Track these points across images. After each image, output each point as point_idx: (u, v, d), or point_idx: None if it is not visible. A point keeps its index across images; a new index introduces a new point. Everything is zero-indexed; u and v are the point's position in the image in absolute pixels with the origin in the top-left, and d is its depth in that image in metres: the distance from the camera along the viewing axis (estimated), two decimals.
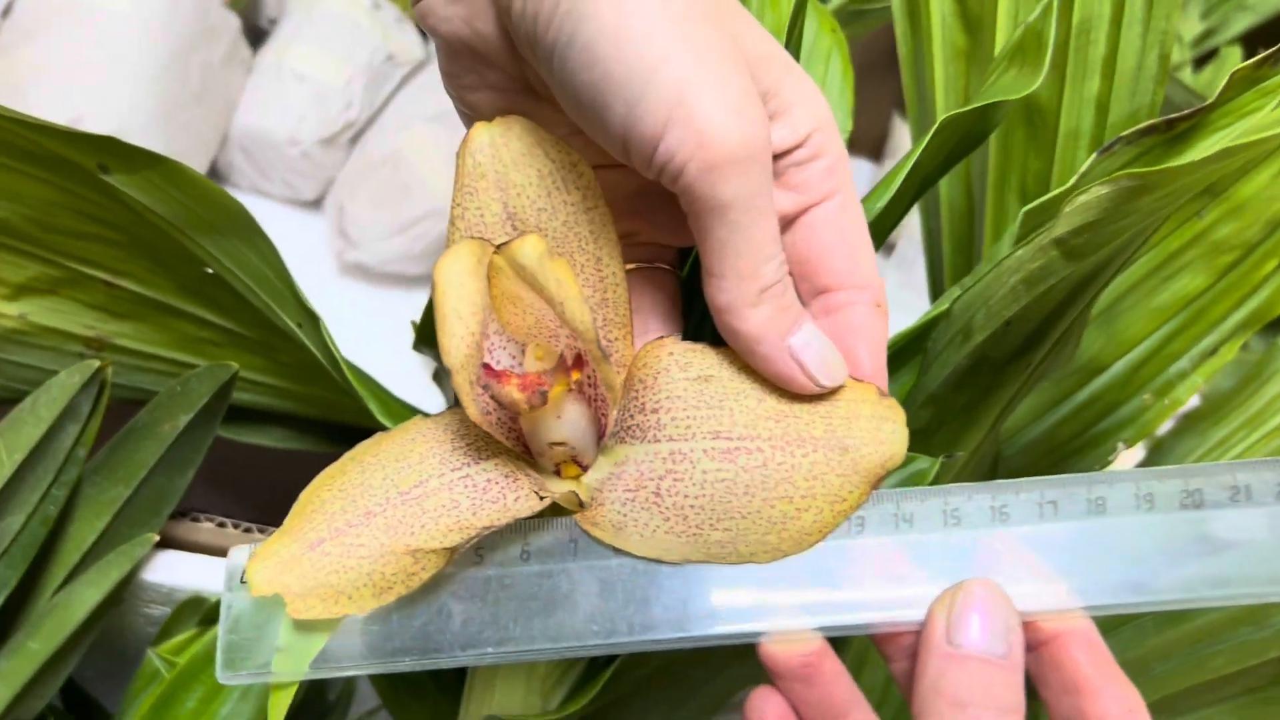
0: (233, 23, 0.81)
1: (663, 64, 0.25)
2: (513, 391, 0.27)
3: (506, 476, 0.29)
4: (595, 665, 0.37)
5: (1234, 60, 0.90)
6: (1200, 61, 0.93)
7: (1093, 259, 0.31)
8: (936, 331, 0.36)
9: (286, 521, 0.29)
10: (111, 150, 0.38)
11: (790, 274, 0.29)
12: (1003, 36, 0.43)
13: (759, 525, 0.28)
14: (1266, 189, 0.43)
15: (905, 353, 0.39)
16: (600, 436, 0.30)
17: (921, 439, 0.36)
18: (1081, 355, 0.43)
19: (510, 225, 0.30)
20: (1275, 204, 0.43)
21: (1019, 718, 0.27)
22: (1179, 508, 0.28)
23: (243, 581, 0.29)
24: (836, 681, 0.29)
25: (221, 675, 0.29)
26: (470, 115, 0.31)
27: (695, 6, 0.26)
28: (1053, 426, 0.43)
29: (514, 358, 0.30)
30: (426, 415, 0.31)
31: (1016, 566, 0.28)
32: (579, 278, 0.30)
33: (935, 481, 0.36)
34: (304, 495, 0.29)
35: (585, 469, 0.30)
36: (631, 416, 0.30)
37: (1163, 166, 0.27)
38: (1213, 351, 0.43)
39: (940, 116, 0.46)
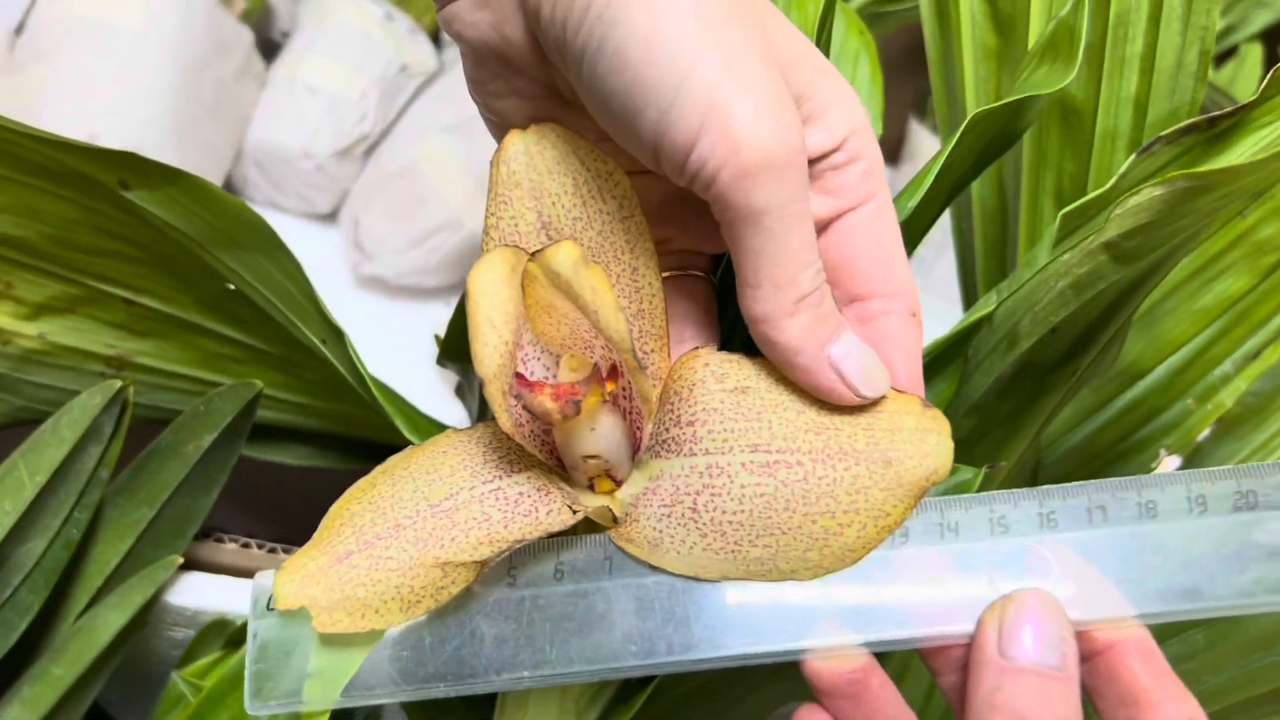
0: (245, 36, 0.80)
1: (695, 69, 0.25)
2: (546, 401, 0.26)
3: (539, 490, 0.29)
4: (631, 683, 0.36)
5: (1254, 57, 0.89)
6: (1220, 59, 0.91)
7: (1144, 262, 0.30)
8: (978, 339, 0.35)
9: (315, 535, 0.29)
10: (132, 166, 0.38)
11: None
12: (1036, 35, 0.42)
13: (800, 542, 0.27)
14: None
15: (941, 360, 0.38)
16: (635, 450, 0.30)
17: (964, 449, 0.35)
18: (1122, 360, 0.42)
19: (545, 234, 0.30)
20: None
21: None
22: (1232, 510, 0.27)
23: (269, 608, 0.29)
24: (884, 697, 0.28)
25: (250, 706, 0.29)
26: (496, 123, 0.31)
27: (728, 9, 0.26)
28: (1093, 433, 0.42)
29: (548, 368, 0.29)
30: (458, 429, 0.31)
31: (1067, 574, 0.27)
32: (614, 288, 0.29)
33: (979, 493, 0.35)
34: (334, 508, 0.29)
35: (619, 483, 0.30)
36: (667, 429, 0.29)
37: (1223, 166, 0.26)
38: (1256, 354, 0.42)
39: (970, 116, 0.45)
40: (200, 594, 0.43)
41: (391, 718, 0.47)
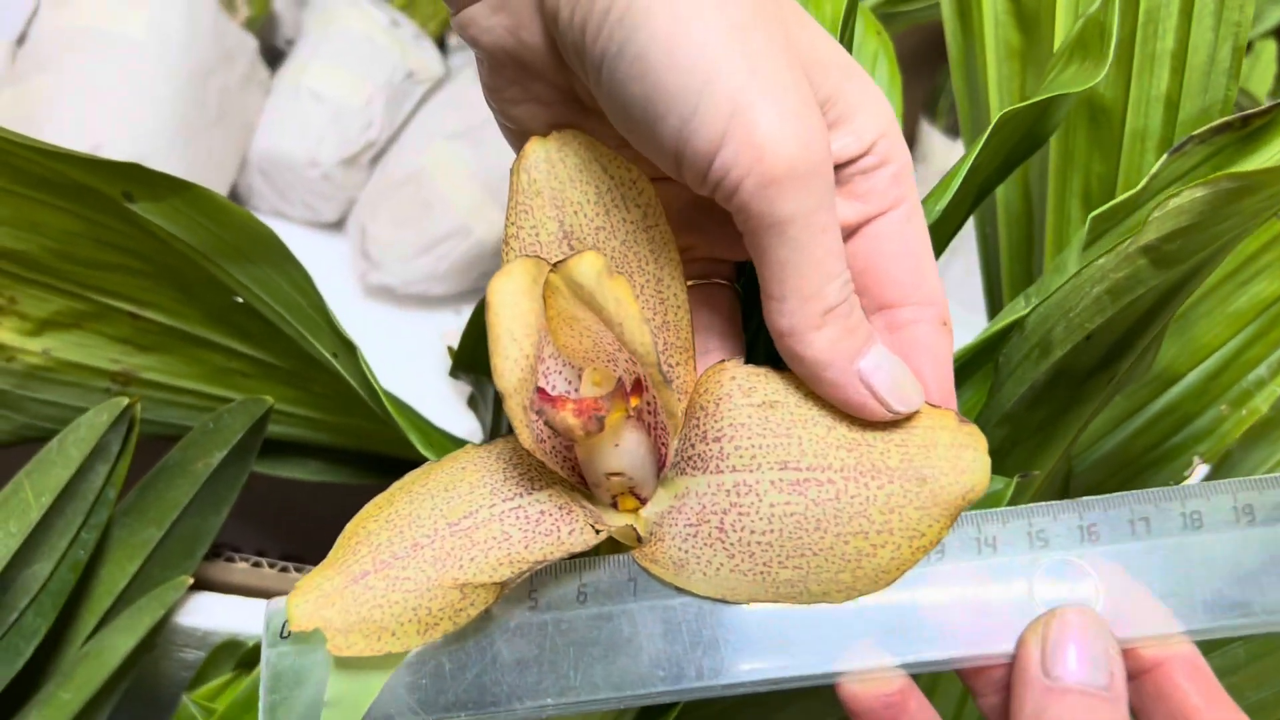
0: (249, 44, 0.80)
1: (718, 74, 0.24)
2: (568, 417, 0.25)
3: (560, 508, 0.28)
4: (654, 706, 0.35)
5: (1269, 54, 0.88)
6: None
7: (1184, 266, 0.29)
8: (1009, 347, 0.34)
9: (331, 553, 0.28)
10: (136, 177, 0.37)
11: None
12: (1062, 33, 0.41)
13: (831, 563, 0.26)
14: None
15: (968, 368, 0.37)
16: (660, 467, 0.29)
17: (995, 459, 0.34)
18: (1154, 365, 0.41)
19: (567, 244, 0.29)
20: None
21: None
22: None
23: (283, 636, 0.28)
24: (921, 719, 0.27)
25: None
26: (513, 130, 0.30)
27: (752, 11, 0.25)
28: (1125, 441, 0.41)
29: (570, 382, 0.29)
30: (477, 444, 0.30)
31: (1110, 589, 0.27)
32: (638, 299, 0.29)
33: (1011, 503, 0.34)
34: (350, 526, 0.28)
35: (644, 501, 0.29)
36: (693, 446, 0.28)
37: (1268, 166, 0.25)
38: None
39: (994, 118, 0.44)
40: (211, 615, 0.42)
41: None
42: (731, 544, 0.27)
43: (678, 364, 0.29)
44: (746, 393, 0.28)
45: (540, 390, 0.26)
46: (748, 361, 0.29)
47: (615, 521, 0.28)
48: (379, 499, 0.29)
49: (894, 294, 0.28)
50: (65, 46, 0.72)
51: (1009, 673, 0.27)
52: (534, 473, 0.29)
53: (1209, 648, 0.38)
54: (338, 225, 0.83)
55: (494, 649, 0.28)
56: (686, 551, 0.27)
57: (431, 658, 0.28)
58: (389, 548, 0.28)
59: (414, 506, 0.28)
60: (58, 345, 0.43)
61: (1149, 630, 0.26)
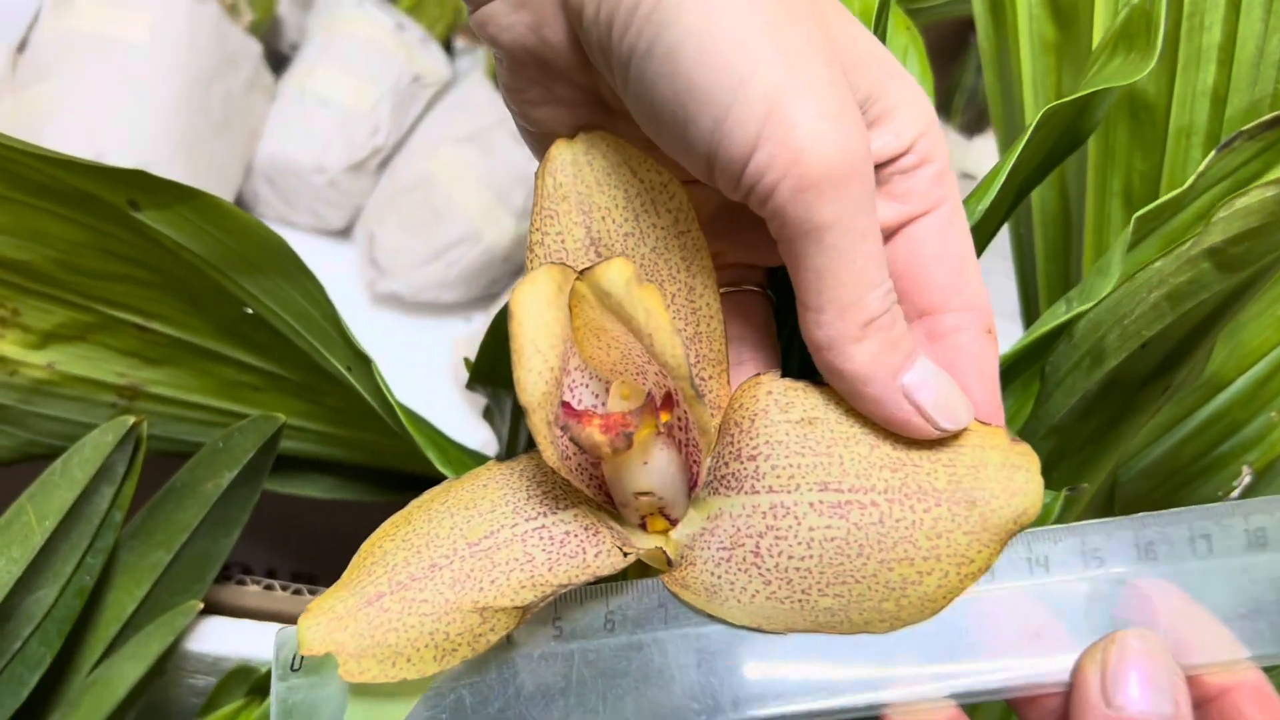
0: (254, 49, 0.79)
1: (754, 73, 0.23)
2: (594, 433, 0.24)
3: (586, 529, 0.27)
4: None
5: None
6: None
7: (1249, 270, 0.28)
8: (1056, 356, 0.33)
9: (345, 573, 0.27)
10: (141, 185, 0.36)
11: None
12: (1100, 26, 0.40)
13: (874, 591, 0.25)
14: None
15: (1008, 376, 0.36)
16: (692, 486, 0.28)
17: (1041, 473, 0.33)
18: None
19: (594, 251, 0.28)
20: None
21: None
22: None
23: (294, 669, 0.27)
24: None
25: None
26: (534, 133, 0.29)
27: (789, 8, 0.24)
28: (1171, 450, 0.40)
29: (597, 396, 0.28)
30: (500, 461, 0.29)
31: (1171, 612, 0.25)
32: (669, 309, 0.28)
33: (1059, 520, 0.32)
34: (366, 545, 0.27)
35: (674, 523, 0.28)
36: (726, 464, 0.27)
37: None
38: None
39: (1029, 115, 0.43)
40: (222, 640, 0.41)
41: None
42: (768, 570, 0.26)
43: (710, 378, 0.28)
44: (784, 408, 0.27)
45: (565, 404, 0.25)
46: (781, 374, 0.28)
47: (644, 544, 0.27)
48: (396, 517, 0.28)
49: (935, 299, 0.27)
50: (66, 53, 0.71)
51: (1065, 702, 0.25)
52: (559, 491, 0.28)
53: (1278, 674, 0.37)
54: (345, 233, 0.83)
55: (517, 681, 0.26)
56: (719, 577, 0.26)
57: (451, 691, 0.26)
58: (405, 569, 0.27)
59: (432, 525, 0.27)
60: (62, 359, 0.42)
61: (1213, 656, 0.25)
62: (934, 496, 0.25)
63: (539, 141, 0.29)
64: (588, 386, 0.27)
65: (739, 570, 0.26)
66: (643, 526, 0.28)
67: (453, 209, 0.77)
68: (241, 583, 0.42)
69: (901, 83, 0.27)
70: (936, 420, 0.25)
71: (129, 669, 0.37)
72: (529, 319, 0.24)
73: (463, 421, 0.71)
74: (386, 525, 0.28)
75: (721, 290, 0.29)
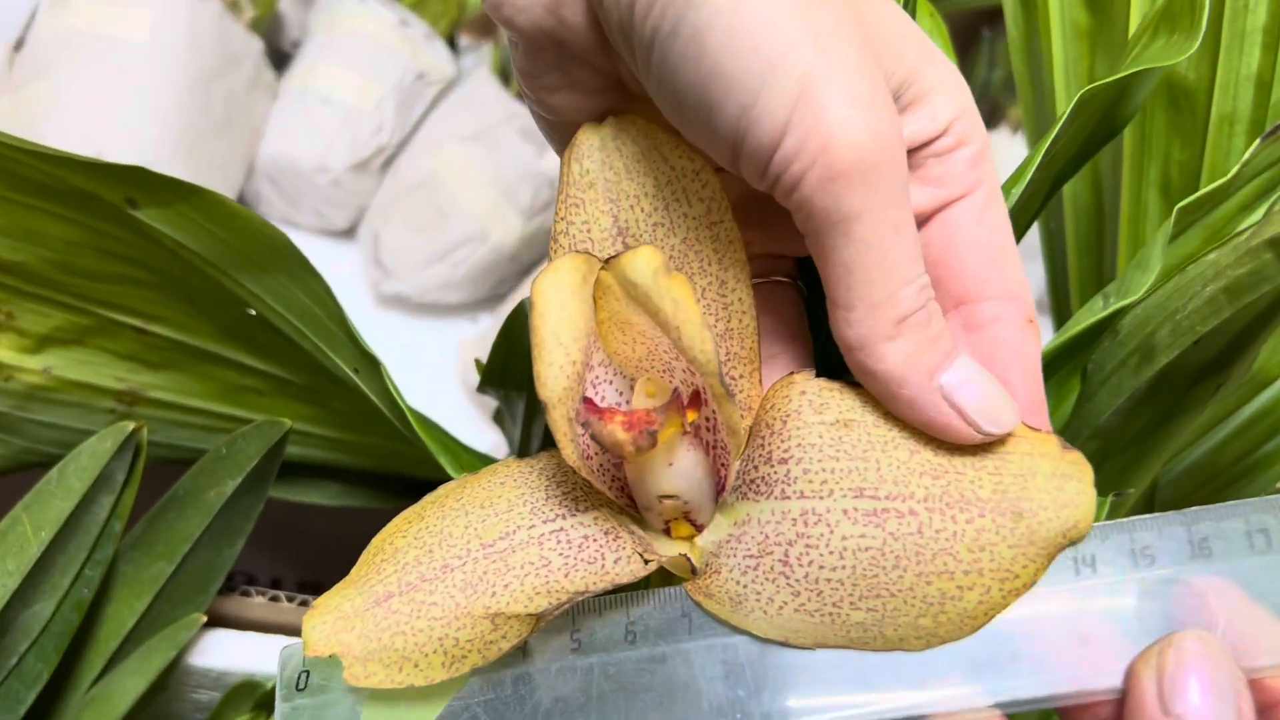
0: (255, 47, 0.78)
1: (785, 56, 0.22)
2: (617, 431, 0.23)
3: (606, 533, 0.26)
4: None
5: None
6: None
7: None
8: (1100, 353, 0.31)
9: (355, 568, 0.26)
10: (139, 182, 0.35)
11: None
12: (1137, 10, 0.38)
13: (911, 606, 0.24)
14: None
15: (1047, 369, 0.34)
16: (719, 490, 0.27)
17: None
18: None
19: (621, 242, 0.27)
20: None
21: None
22: None
23: (299, 689, 0.26)
24: None
25: None
26: (550, 121, 0.28)
27: None
28: (1213, 449, 0.38)
29: (620, 394, 0.27)
30: (518, 459, 0.28)
31: (1229, 612, 0.24)
32: (699, 303, 0.26)
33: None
34: (376, 540, 0.27)
35: (699, 528, 0.26)
36: (756, 467, 0.26)
37: None
38: None
39: (1060, 104, 0.41)
40: (226, 653, 0.40)
41: None
42: (797, 580, 0.24)
43: (741, 376, 0.27)
44: (818, 410, 0.26)
45: (587, 400, 0.24)
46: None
47: (667, 551, 0.26)
48: (409, 513, 0.27)
49: (972, 288, 0.26)
50: (64, 51, 0.71)
51: (1117, 710, 0.24)
52: (579, 492, 0.27)
53: None
54: (349, 233, 0.82)
55: (534, 698, 0.25)
56: (745, 586, 0.25)
57: (464, 709, 0.25)
58: (416, 568, 0.26)
59: (446, 523, 0.26)
60: (59, 363, 0.41)
61: (1275, 659, 0.24)
62: (977, 506, 0.24)
63: (555, 130, 0.28)
64: (611, 383, 0.27)
65: (766, 580, 0.25)
66: (666, 532, 0.27)
67: (458, 208, 0.76)
68: (246, 594, 0.40)
69: (937, 64, 0.26)
70: (979, 423, 0.24)
71: (130, 685, 0.36)
72: (551, 309, 0.23)
73: (470, 425, 0.71)
74: (399, 520, 0.27)
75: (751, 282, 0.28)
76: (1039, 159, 0.32)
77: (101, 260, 0.39)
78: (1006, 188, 0.32)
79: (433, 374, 0.75)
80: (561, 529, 0.26)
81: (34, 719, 0.37)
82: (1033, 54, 0.42)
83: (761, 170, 0.23)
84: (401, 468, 0.47)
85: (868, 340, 0.24)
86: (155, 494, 0.39)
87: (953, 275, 0.26)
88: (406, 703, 0.25)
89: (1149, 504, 0.37)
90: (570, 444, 0.24)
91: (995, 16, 0.88)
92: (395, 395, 0.36)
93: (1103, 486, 0.32)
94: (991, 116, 0.86)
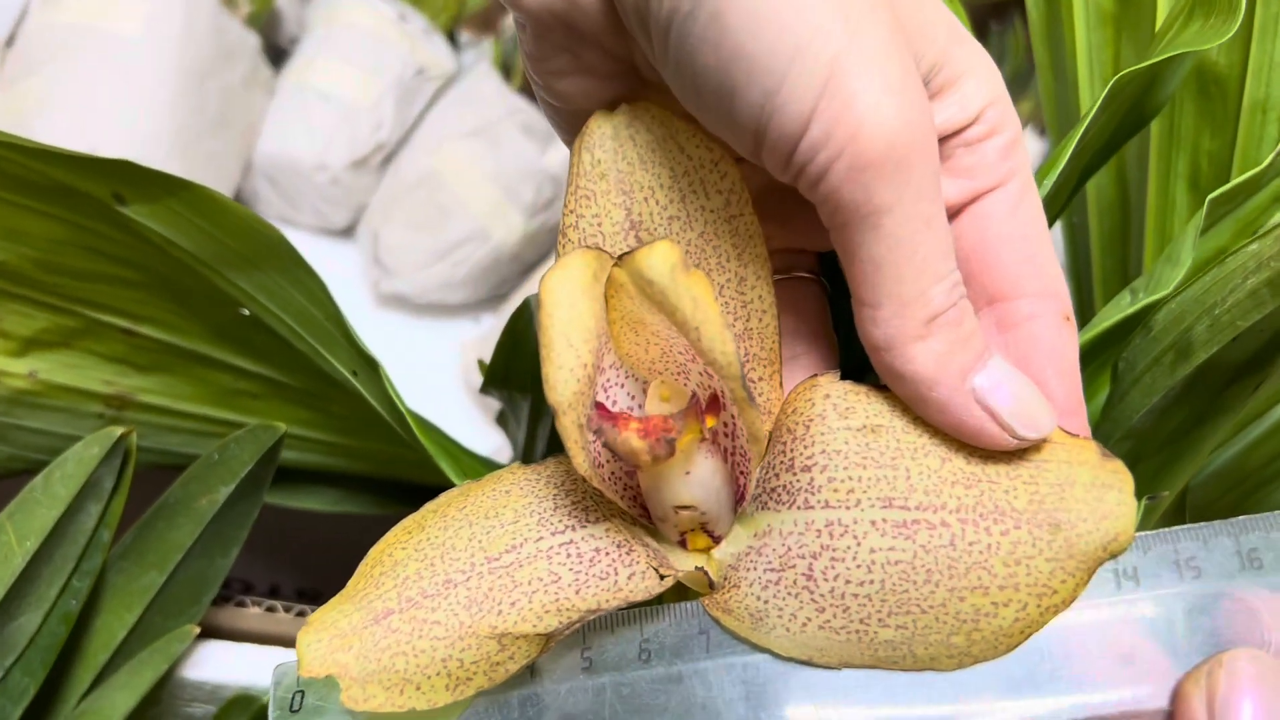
0: (251, 42, 0.78)
1: (813, 38, 0.21)
2: (632, 438, 0.22)
3: (619, 546, 0.25)
4: None
5: None
6: None
7: None
8: (1131, 351, 0.30)
9: (351, 581, 0.25)
10: (126, 176, 0.34)
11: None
12: None
13: (943, 622, 0.23)
14: None
15: None
16: (738, 500, 0.25)
17: None
18: None
19: (634, 236, 0.26)
20: None
21: None
22: None
23: (294, 710, 0.25)
24: None
25: None
26: (558, 108, 0.27)
27: None
28: (1242, 452, 0.37)
29: (633, 397, 0.26)
30: (523, 465, 0.27)
31: None
32: (717, 301, 0.25)
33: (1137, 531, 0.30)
34: (374, 551, 0.25)
35: (717, 540, 0.25)
36: (777, 475, 0.25)
37: None
38: None
39: (1083, 93, 0.40)
40: (220, 666, 0.38)
41: None
42: (821, 595, 0.23)
43: (761, 379, 0.26)
44: (843, 414, 0.25)
45: (599, 406, 0.23)
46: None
47: (682, 564, 0.25)
48: (408, 522, 0.26)
49: (1005, 284, 0.25)
50: (57, 47, 0.70)
51: None
52: (589, 502, 0.26)
53: None
54: (348, 232, 0.82)
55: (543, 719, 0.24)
56: (766, 602, 0.24)
57: None
58: (417, 583, 0.25)
59: (448, 535, 0.25)
60: (45, 366, 0.40)
61: None
62: (1013, 518, 0.23)
63: (564, 119, 0.27)
64: (623, 387, 0.25)
65: (789, 595, 0.24)
66: (681, 543, 0.26)
67: (459, 206, 0.76)
68: (241, 604, 0.39)
69: (968, 48, 0.25)
70: (1014, 427, 0.23)
71: (120, 699, 0.35)
72: (560, 309, 0.22)
73: (472, 427, 0.70)
74: (398, 530, 0.26)
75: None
76: (1071, 150, 0.30)
77: (88, 259, 0.37)
78: (1041, 174, 0.31)
79: (434, 375, 0.74)
80: (571, 541, 0.25)
81: None
82: (1055, 41, 0.41)
83: (785, 160, 0.22)
84: (402, 473, 0.46)
85: (896, 340, 0.23)
86: (146, 501, 0.38)
87: (985, 271, 0.25)
88: None
89: (1179, 508, 0.36)
90: (581, 451, 0.23)
91: (1003, 10, 0.88)
92: (394, 398, 0.35)
93: (1136, 490, 0.31)
94: None
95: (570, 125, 0.26)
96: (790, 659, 0.24)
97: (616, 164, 0.25)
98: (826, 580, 0.23)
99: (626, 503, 0.25)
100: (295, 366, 0.41)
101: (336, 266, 0.78)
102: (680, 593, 0.26)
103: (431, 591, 0.24)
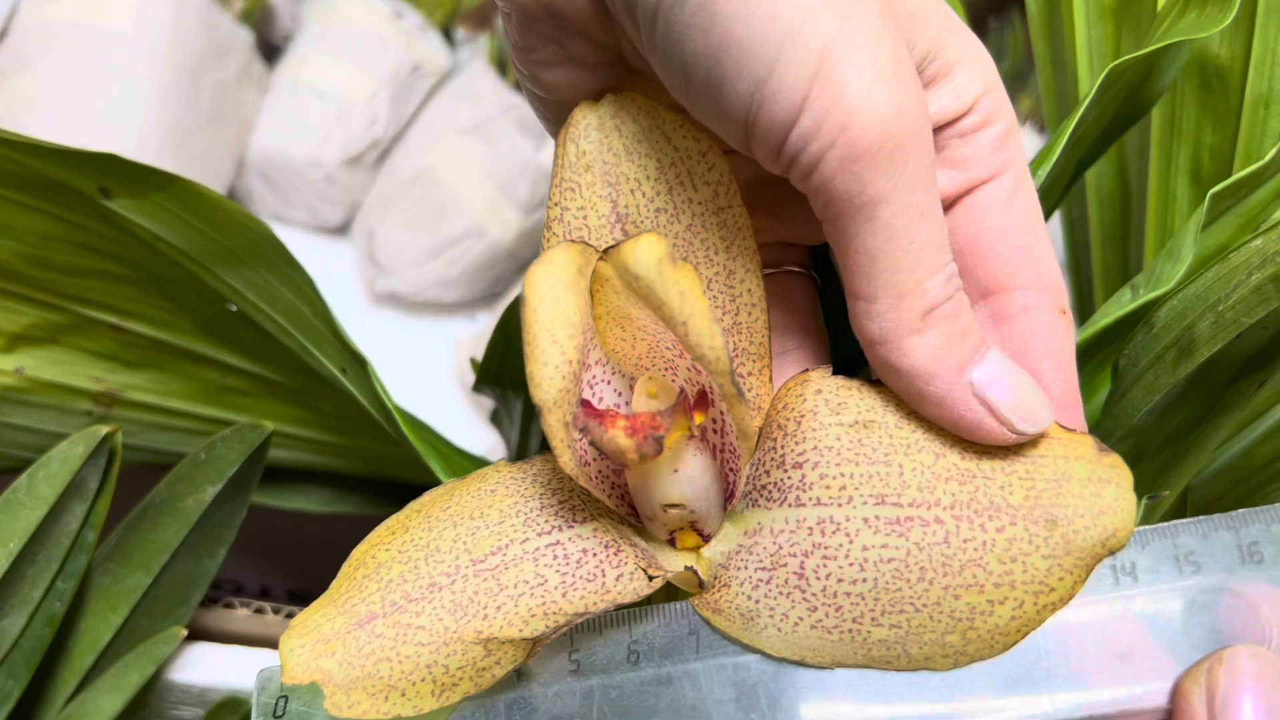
0: (245, 39, 0.77)
1: (804, 25, 0.21)
2: (619, 436, 0.22)
3: (606, 546, 0.24)
4: None
5: None
6: None
7: None
8: (1132, 348, 0.30)
9: (334, 584, 0.25)
10: (113, 170, 0.34)
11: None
12: None
13: (937, 621, 0.22)
14: None
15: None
16: (728, 498, 0.25)
17: None
18: None
19: (620, 229, 0.25)
20: None
21: None
22: None
23: (277, 717, 0.25)
24: None
25: None
26: (545, 99, 0.26)
27: None
28: (1245, 451, 0.36)
29: (619, 394, 0.25)
30: (509, 462, 0.26)
31: None
32: (706, 295, 0.25)
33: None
34: (357, 552, 0.25)
35: (707, 538, 0.25)
36: (768, 472, 0.24)
37: None
38: None
39: (1084, 88, 0.40)
40: (208, 668, 0.38)
41: None
42: (813, 594, 0.23)
43: (751, 374, 0.25)
44: (835, 410, 0.24)
45: (585, 403, 0.23)
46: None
47: (672, 564, 0.25)
48: (392, 522, 0.25)
49: (1000, 277, 0.25)
50: (47, 42, 0.69)
51: None
52: (576, 501, 0.25)
53: None
54: (342, 229, 0.81)
55: None
56: (757, 601, 0.24)
57: None
58: (401, 586, 0.24)
59: (433, 536, 0.25)
60: (32, 363, 0.39)
61: None
62: (1008, 514, 0.22)
63: (551, 110, 0.26)
64: (609, 383, 0.25)
65: (780, 594, 0.23)
66: (671, 542, 0.25)
67: (455, 203, 0.75)
68: (230, 606, 0.39)
69: (961, 37, 0.24)
70: (1012, 422, 0.22)
71: (106, 702, 0.34)
72: (544, 305, 0.22)
73: (467, 426, 0.69)
74: (381, 531, 0.25)
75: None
76: (1064, 140, 0.30)
77: (76, 254, 0.37)
78: (1031, 169, 0.31)
79: (429, 374, 0.74)
80: (558, 542, 0.24)
81: None
82: (1054, 34, 0.41)
83: (776, 150, 0.22)
84: (394, 472, 0.45)
85: (892, 334, 0.22)
86: (132, 501, 0.38)
87: (980, 264, 0.25)
88: None
89: (1181, 507, 0.36)
90: (567, 450, 0.22)
91: (1002, 5, 0.87)
92: (383, 395, 0.35)
93: (1137, 489, 0.31)
94: None
95: (557, 117, 0.26)
96: (782, 659, 0.23)
97: (602, 155, 0.25)
98: (818, 579, 0.23)
99: (614, 501, 0.25)
100: (284, 364, 0.40)
101: (331, 264, 0.78)
102: (669, 592, 0.25)
103: (416, 595, 0.24)
